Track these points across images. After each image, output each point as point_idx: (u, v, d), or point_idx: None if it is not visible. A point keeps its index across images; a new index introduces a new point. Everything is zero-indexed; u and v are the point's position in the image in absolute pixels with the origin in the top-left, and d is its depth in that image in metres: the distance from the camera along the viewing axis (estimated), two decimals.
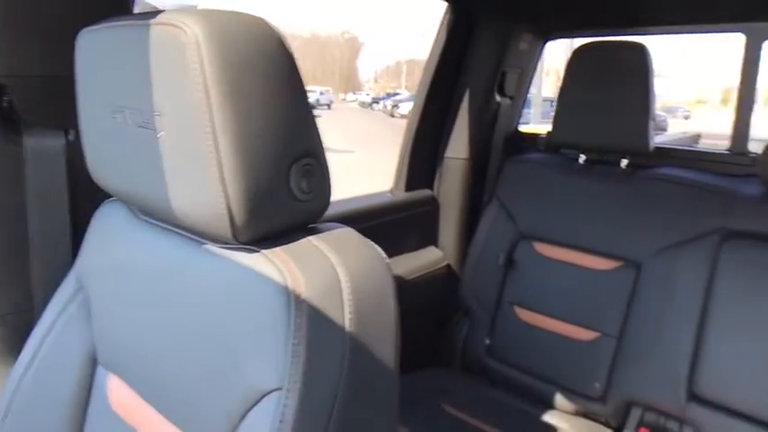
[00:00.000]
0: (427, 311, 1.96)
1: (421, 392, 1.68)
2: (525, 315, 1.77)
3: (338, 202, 1.71)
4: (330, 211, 0.71)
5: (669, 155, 1.75)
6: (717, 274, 1.47)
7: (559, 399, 1.66)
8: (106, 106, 0.71)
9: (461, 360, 1.89)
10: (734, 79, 1.72)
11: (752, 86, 1.66)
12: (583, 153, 1.79)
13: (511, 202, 1.88)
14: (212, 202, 0.61)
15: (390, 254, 0.70)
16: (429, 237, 2.03)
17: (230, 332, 0.65)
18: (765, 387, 1.38)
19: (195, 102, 0.59)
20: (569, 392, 1.65)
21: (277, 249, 0.65)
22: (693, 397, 1.46)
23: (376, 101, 37.28)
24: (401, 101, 29.36)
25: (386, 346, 0.66)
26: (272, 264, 0.63)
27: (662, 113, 17.21)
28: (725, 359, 1.43)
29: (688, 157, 1.75)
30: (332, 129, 16.79)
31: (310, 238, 0.67)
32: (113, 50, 0.69)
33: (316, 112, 0.99)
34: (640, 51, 1.60)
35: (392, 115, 28.16)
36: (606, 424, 1.63)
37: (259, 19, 0.64)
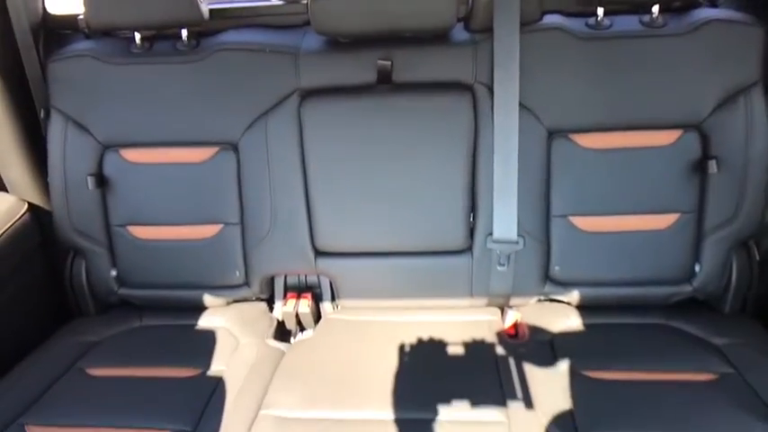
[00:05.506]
0: (29, 269, 1.60)
1: (61, 358, 1.45)
2: (142, 232, 1.58)
3: None
4: None
5: (228, 16, 1.60)
6: (304, 134, 1.49)
7: (208, 298, 1.62)
8: None
9: (95, 304, 1.66)
10: None
11: None
12: (137, 31, 1.51)
13: (75, 110, 1.54)
14: None
15: None
16: None
17: None
18: (373, 223, 1.53)
19: None
20: (214, 289, 1.62)
21: None
22: (319, 253, 1.57)
23: None
24: None
25: None
26: None
27: None
28: (331, 210, 1.54)
29: (247, 15, 1.62)
30: None
31: None
32: None
33: None
34: None
35: None
36: (259, 300, 1.68)
37: None
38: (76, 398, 1.31)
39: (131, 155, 1.55)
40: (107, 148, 1.55)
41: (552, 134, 1.46)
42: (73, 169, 1.55)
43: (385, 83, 1.48)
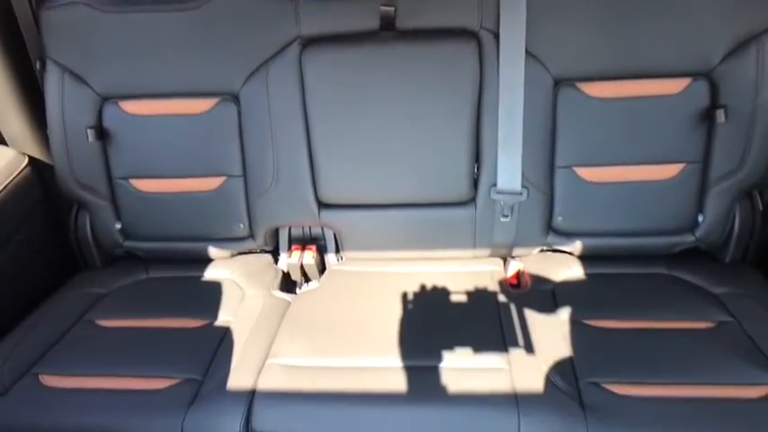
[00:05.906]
0: (33, 223, 1.61)
1: (71, 310, 1.47)
2: (144, 184, 1.58)
3: None
4: None
5: None
6: (306, 83, 1.47)
7: (213, 250, 1.63)
8: None
9: (101, 256, 1.68)
10: None
11: None
12: None
13: (71, 61, 1.50)
14: None
15: None
16: None
17: None
18: (376, 174, 1.53)
19: None
20: (218, 241, 1.63)
21: None
22: (322, 204, 1.57)
23: None
24: None
25: None
26: None
27: None
28: (334, 161, 1.52)
29: None
30: None
31: None
32: None
33: None
34: None
35: None
36: (263, 252, 1.69)
37: None
38: (88, 348, 1.34)
39: (130, 106, 1.52)
40: (106, 99, 1.53)
41: (559, 83, 1.43)
42: (72, 121, 1.53)
43: (388, 30, 1.44)
